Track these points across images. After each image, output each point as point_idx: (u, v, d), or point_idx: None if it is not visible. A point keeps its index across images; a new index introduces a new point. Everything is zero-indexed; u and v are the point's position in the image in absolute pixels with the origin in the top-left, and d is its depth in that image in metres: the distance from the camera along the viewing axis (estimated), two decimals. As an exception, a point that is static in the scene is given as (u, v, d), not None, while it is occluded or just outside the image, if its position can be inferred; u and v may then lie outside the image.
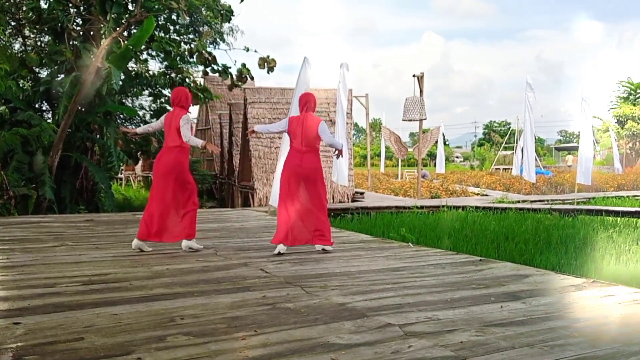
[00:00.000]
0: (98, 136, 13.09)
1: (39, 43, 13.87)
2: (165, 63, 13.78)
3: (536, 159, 21.10)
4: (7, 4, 12.92)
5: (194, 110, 22.76)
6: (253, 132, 6.20)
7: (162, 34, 13.48)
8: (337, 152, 5.97)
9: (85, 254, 5.47)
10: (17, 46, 14.08)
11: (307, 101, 5.85)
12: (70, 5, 12.16)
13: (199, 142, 5.83)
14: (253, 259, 5.23)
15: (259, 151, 13.34)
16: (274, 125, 6.24)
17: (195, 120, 22.08)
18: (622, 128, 35.61)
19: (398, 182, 21.81)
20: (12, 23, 13.40)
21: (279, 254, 5.52)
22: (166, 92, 15.09)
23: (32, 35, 13.98)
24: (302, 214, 5.66)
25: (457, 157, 55.63)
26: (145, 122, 15.68)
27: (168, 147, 5.72)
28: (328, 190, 11.34)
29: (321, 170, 5.90)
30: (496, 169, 31.07)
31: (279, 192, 5.82)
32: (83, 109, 12.36)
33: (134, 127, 16.01)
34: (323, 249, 5.73)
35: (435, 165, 29.95)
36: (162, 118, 5.90)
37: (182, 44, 13.83)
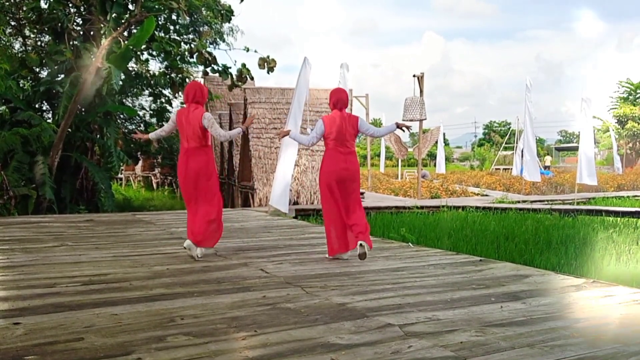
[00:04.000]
0: (98, 136, 13.10)
1: (39, 43, 13.88)
2: (166, 63, 13.80)
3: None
4: (7, 4, 12.92)
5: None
6: (284, 134, 5.51)
7: (162, 34, 13.48)
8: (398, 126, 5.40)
9: (85, 254, 5.46)
10: (17, 46, 14.11)
11: (338, 99, 5.27)
12: (71, 5, 12.16)
13: (236, 132, 5.50)
14: (253, 259, 5.23)
15: (259, 151, 13.31)
16: (309, 138, 5.38)
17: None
18: (623, 128, 35.65)
19: (398, 182, 21.80)
20: (12, 23, 13.41)
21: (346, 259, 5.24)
22: (166, 92, 15.10)
23: (32, 35, 14.00)
24: (345, 215, 5.24)
25: (455, 159, 55.76)
26: (146, 123, 15.69)
27: (194, 148, 5.21)
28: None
29: (359, 171, 5.46)
30: (496, 169, 31.04)
31: (323, 201, 5.31)
32: (83, 109, 12.38)
33: (134, 127, 16.01)
34: (360, 244, 5.07)
35: (435, 165, 29.95)
36: (174, 117, 5.38)
37: (182, 44, 13.85)
